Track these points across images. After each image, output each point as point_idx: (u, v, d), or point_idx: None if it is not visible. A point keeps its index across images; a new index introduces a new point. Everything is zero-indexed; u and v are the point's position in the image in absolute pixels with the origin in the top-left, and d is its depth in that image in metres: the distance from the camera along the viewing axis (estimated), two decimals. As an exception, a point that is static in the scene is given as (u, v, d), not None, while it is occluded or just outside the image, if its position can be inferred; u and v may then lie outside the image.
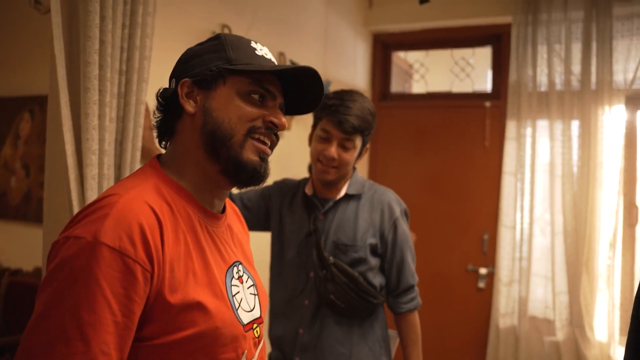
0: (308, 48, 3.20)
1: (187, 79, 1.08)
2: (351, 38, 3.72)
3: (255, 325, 1.11)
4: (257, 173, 1.08)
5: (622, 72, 3.26)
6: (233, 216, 1.25)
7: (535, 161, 3.39)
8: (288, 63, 2.82)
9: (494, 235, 3.58)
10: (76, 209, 1.65)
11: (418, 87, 4.11)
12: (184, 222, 1.03)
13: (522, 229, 3.42)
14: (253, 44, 1.12)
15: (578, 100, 3.31)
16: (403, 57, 4.21)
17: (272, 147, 1.11)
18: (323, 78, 3.17)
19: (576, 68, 3.33)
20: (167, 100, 1.11)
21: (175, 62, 1.15)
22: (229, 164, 1.06)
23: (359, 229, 1.98)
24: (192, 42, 2.45)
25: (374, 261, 2.00)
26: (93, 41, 1.58)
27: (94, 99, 1.61)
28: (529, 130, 3.42)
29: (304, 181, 2.13)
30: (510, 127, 3.47)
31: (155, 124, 1.14)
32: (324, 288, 1.93)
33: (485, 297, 3.60)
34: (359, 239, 1.97)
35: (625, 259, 3.17)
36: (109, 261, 0.88)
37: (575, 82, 3.33)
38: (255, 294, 1.15)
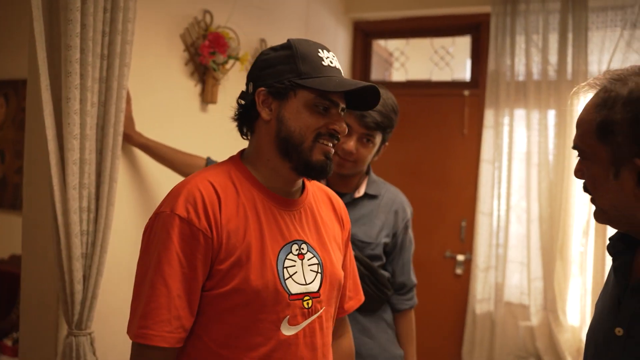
0: (289, 35, 3.19)
1: (263, 89, 1.25)
2: (332, 26, 3.72)
3: (307, 298, 1.26)
4: (324, 170, 1.27)
5: (597, 63, 3.32)
6: (322, 204, 1.43)
7: (512, 149, 3.44)
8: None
9: (472, 223, 3.63)
10: (57, 195, 1.65)
11: (398, 75, 4.13)
12: (247, 200, 1.24)
13: (499, 216, 3.48)
14: (320, 53, 1.26)
15: (554, 90, 3.36)
16: (383, 45, 4.23)
17: (334, 147, 1.29)
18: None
19: (553, 58, 3.38)
20: (246, 101, 1.30)
21: (251, 65, 1.32)
22: (300, 164, 1.25)
23: (376, 227, 2.02)
24: (174, 28, 2.44)
25: (384, 258, 2.05)
26: (74, 24, 1.57)
27: (75, 83, 1.61)
28: (506, 119, 3.47)
29: None
30: (489, 116, 3.52)
31: (235, 120, 1.34)
32: None
33: (463, 283, 3.66)
34: (375, 237, 2.01)
35: (597, 246, 3.25)
36: (181, 228, 1.16)
37: (552, 72, 3.38)
38: (318, 272, 1.31)
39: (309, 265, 1.29)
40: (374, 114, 1.92)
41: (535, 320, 3.37)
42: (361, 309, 1.99)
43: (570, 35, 3.33)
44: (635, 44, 3.19)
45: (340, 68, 1.30)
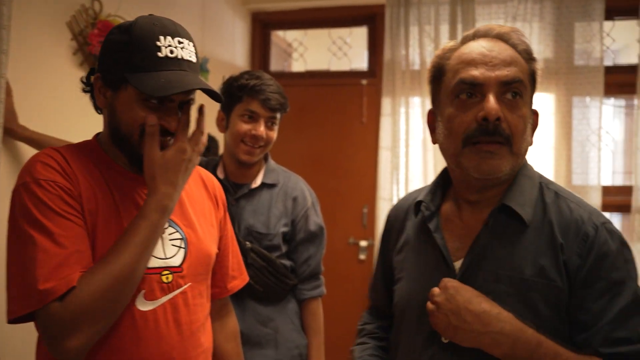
0: (184, 25, 3.13)
1: (99, 75, 1.22)
2: (229, 16, 3.68)
3: (166, 272, 1.24)
4: None
5: (485, 52, 3.49)
6: (190, 181, 1.40)
7: (409, 136, 3.55)
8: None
9: (373, 209, 3.72)
10: None
11: (297, 66, 4.16)
12: (99, 174, 1.23)
13: (398, 202, 3.58)
14: (160, 41, 1.18)
15: (447, 78, 3.49)
16: (282, 36, 4.24)
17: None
18: (200, 55, 3.12)
19: (444, 48, 3.51)
20: (87, 82, 1.30)
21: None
22: (132, 158, 1.23)
23: (273, 217, 2.01)
24: (59, 15, 2.32)
25: (284, 247, 2.04)
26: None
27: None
28: (403, 107, 3.57)
29: (214, 163, 2.11)
30: (386, 104, 3.61)
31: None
32: None
33: (367, 268, 3.75)
34: (273, 228, 2.00)
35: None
36: (47, 189, 1.14)
37: (444, 61, 3.51)
38: (180, 247, 1.28)
39: (170, 239, 1.27)
40: (276, 96, 1.95)
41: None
42: (262, 299, 1.99)
43: (459, 27, 3.48)
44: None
45: (189, 57, 1.23)
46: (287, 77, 4.10)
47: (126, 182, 1.26)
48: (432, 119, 1.27)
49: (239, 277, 1.58)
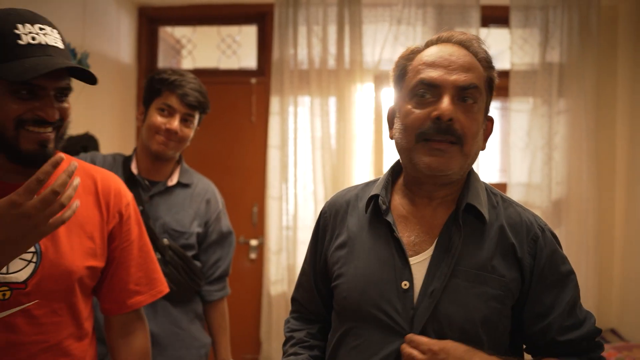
0: (62, 18, 2.98)
1: None
2: (114, 10, 3.54)
3: (3, 288, 1.14)
4: (38, 158, 1.15)
5: (371, 54, 3.59)
6: (79, 189, 1.28)
7: (297, 135, 3.59)
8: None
9: (262, 207, 3.73)
10: None
11: (186, 63, 4.08)
12: None
13: (287, 200, 3.60)
14: (19, 29, 1.11)
15: (335, 78, 3.57)
16: (170, 32, 4.14)
17: (56, 132, 1.18)
18: (80, 50, 2.99)
19: (332, 48, 3.58)
20: None
21: None
22: (13, 155, 1.15)
23: (188, 216, 2.01)
24: None
25: (197, 248, 2.05)
26: None
27: None
28: (291, 106, 3.60)
29: (126, 159, 2.06)
30: (275, 103, 3.62)
31: None
32: None
33: (257, 267, 3.75)
34: (189, 226, 2.00)
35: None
36: None
37: (331, 61, 3.59)
38: (30, 261, 1.18)
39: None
40: (195, 94, 1.96)
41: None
42: (174, 300, 1.96)
43: (347, 27, 3.56)
44: (401, 38, 3.51)
45: (54, 43, 1.16)
46: (176, 75, 4.01)
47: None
48: (392, 116, 1.31)
49: (145, 293, 1.43)
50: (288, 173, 3.60)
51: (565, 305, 1.21)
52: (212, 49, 3.96)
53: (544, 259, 1.22)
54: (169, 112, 1.96)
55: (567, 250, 1.93)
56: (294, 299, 1.50)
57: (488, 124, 1.30)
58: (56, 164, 1.05)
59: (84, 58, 3.03)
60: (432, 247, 1.22)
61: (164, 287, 1.49)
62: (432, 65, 1.21)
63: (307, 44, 3.59)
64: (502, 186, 3.51)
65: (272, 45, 3.66)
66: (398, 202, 1.31)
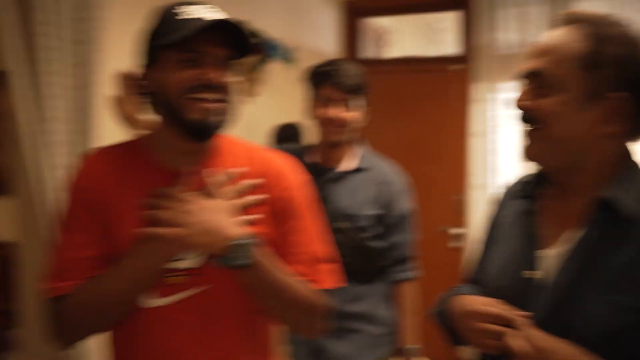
0: (272, 15, 3.21)
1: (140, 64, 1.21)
2: (321, 5, 3.73)
3: (182, 273, 1.21)
4: (204, 130, 1.18)
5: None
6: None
7: (500, 122, 3.46)
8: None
9: (464, 197, 3.67)
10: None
11: (390, 52, 4.14)
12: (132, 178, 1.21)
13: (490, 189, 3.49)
14: (176, 9, 1.16)
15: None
16: (371, 23, 4.23)
17: (222, 108, 1.18)
18: (290, 45, 3.20)
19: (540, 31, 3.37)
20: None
21: None
22: (181, 127, 1.17)
23: (365, 200, 2.07)
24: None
25: (375, 230, 2.09)
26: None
27: (50, 68, 1.65)
28: (494, 93, 3.48)
29: (301, 149, 2.19)
30: (477, 90, 3.53)
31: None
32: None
33: (456, 256, 3.67)
34: (364, 210, 2.06)
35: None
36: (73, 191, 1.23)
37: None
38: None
39: None
40: (347, 79, 2.02)
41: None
42: (352, 279, 2.04)
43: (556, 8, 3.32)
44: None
45: (214, 15, 1.15)
46: (379, 64, 4.11)
47: (158, 180, 1.21)
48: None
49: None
50: (491, 162, 3.49)
51: None
52: (415, 36, 3.97)
53: None
54: (327, 101, 2.03)
55: None
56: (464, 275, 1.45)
57: None
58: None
59: (292, 52, 3.22)
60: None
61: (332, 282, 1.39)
62: None
63: (513, 27, 3.42)
64: None
65: (475, 30, 3.56)
66: (550, 191, 1.22)
